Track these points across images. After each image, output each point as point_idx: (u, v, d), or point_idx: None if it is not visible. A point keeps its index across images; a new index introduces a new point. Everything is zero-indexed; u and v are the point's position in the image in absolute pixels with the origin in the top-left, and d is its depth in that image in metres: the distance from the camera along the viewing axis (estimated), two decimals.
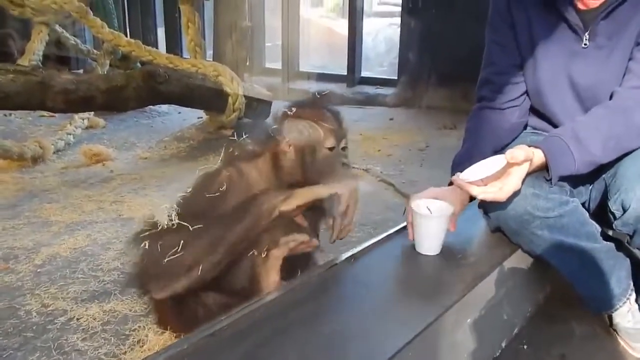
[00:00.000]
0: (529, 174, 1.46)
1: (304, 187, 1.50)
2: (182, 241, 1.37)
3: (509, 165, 1.41)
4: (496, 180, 1.44)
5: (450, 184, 1.61)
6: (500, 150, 1.67)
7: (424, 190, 1.64)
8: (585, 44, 1.55)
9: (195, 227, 1.38)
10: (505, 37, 1.69)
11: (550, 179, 1.46)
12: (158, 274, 1.41)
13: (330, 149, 1.54)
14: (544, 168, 1.47)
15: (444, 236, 1.59)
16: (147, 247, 1.42)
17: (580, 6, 1.53)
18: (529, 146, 1.45)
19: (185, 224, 1.38)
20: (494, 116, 1.73)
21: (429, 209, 1.59)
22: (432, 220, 1.57)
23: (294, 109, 1.57)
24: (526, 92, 1.73)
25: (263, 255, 1.42)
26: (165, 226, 1.41)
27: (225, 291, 1.52)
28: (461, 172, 1.52)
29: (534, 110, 1.76)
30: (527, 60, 1.67)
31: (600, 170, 1.55)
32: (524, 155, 1.40)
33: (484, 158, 1.55)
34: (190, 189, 1.54)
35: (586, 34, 1.54)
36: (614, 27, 1.52)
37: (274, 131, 1.58)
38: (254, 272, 1.46)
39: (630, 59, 1.53)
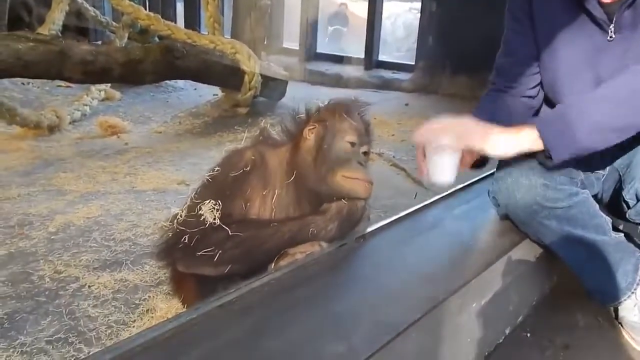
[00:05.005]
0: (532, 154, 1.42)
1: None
2: (220, 236, 1.41)
3: None
4: None
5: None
6: None
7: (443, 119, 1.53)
8: (611, 37, 1.51)
9: (234, 226, 1.42)
10: (524, 26, 1.65)
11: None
12: (188, 252, 1.44)
13: (351, 144, 1.55)
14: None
15: (456, 170, 1.49)
16: (182, 221, 1.46)
17: None
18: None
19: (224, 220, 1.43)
20: (509, 100, 1.69)
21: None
22: (445, 150, 1.47)
23: (328, 102, 1.61)
24: (541, 84, 1.69)
25: (273, 265, 1.45)
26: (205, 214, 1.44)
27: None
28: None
29: (546, 101, 1.72)
30: (545, 53, 1.63)
31: (614, 160, 1.53)
32: None
33: None
34: (217, 166, 1.57)
35: (611, 26, 1.50)
36: (639, 16, 1.48)
37: (300, 121, 1.61)
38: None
39: None
